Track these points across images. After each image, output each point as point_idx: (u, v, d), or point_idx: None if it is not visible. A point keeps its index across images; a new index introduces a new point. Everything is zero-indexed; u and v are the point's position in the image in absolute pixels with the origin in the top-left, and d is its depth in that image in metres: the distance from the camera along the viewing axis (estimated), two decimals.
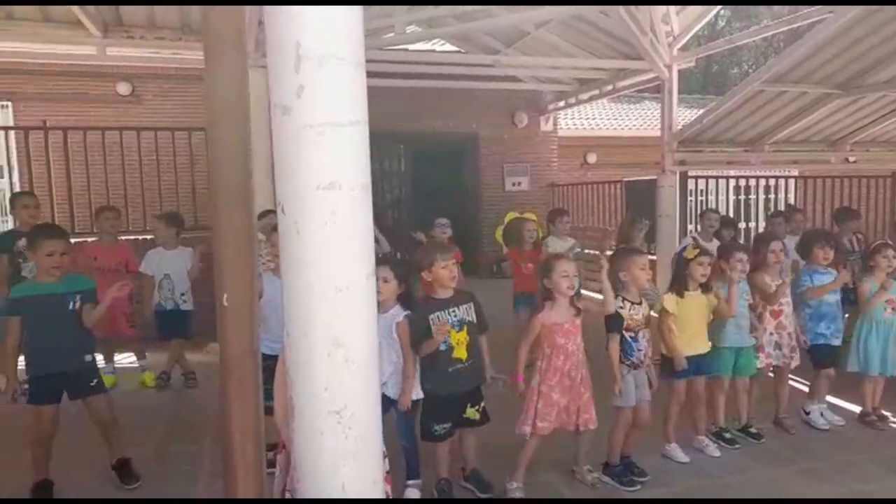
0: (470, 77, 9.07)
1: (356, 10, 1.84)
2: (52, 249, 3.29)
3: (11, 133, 7.81)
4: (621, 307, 3.45)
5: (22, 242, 4.85)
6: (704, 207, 9.72)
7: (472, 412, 3.22)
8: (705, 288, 3.79)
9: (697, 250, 3.78)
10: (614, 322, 3.44)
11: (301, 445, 1.83)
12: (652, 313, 3.70)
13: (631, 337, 3.44)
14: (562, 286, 3.23)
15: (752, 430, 4.09)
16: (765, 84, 6.42)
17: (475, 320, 3.23)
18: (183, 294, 5.15)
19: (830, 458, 3.81)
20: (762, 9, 23.28)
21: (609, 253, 6.73)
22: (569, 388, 3.23)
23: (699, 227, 6.09)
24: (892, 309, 4.26)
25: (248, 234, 1.70)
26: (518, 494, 3.28)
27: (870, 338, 4.25)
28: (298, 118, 1.76)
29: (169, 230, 5.23)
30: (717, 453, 3.83)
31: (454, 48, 10.11)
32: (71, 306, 3.33)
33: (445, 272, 3.15)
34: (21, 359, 3.39)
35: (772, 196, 9.89)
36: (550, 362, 3.23)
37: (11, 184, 8.27)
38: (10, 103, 9.14)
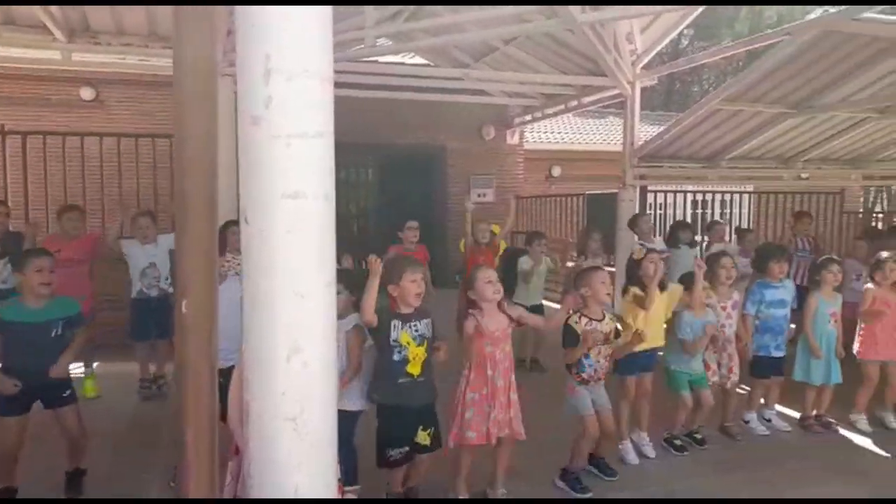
0: (439, 90, 9.18)
1: (326, 28, 1.90)
2: (40, 266, 3.31)
3: None
4: (577, 322, 3.49)
5: None
6: (663, 223, 10.02)
7: (423, 436, 3.12)
8: (661, 286, 3.89)
9: (645, 250, 3.91)
10: (568, 337, 3.51)
11: (255, 450, 1.86)
12: (620, 327, 3.75)
13: (584, 354, 3.47)
14: (487, 293, 3.22)
15: (698, 435, 4.24)
16: (722, 103, 6.66)
17: (431, 336, 3.18)
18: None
19: (775, 464, 3.96)
20: (724, 29, 24.02)
21: (570, 264, 6.90)
22: (489, 395, 3.18)
23: (636, 236, 6.37)
24: (835, 321, 4.45)
25: (211, 242, 1.74)
26: None
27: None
28: (266, 128, 1.81)
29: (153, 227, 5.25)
30: (653, 454, 3.98)
31: (424, 61, 10.21)
32: (54, 333, 3.35)
33: (413, 286, 3.10)
34: None
35: (727, 211, 10.22)
36: (478, 371, 3.21)
37: None
38: None
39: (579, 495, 3.48)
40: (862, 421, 4.55)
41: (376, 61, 8.83)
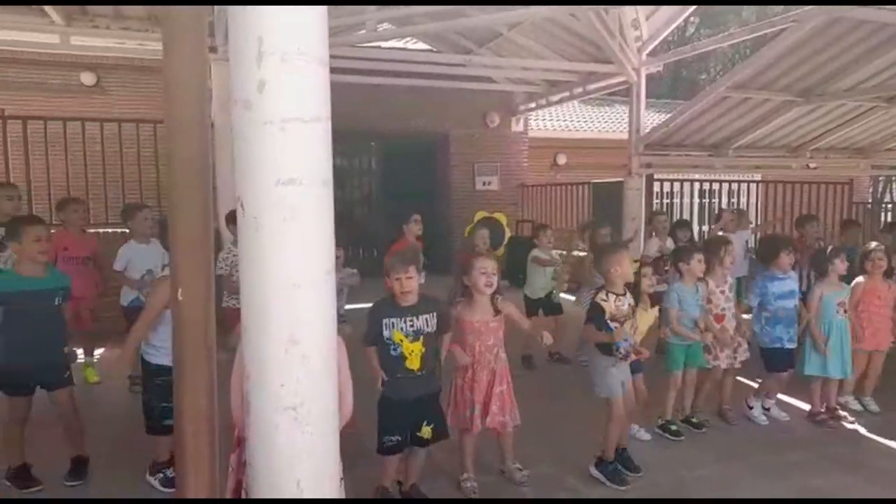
0: (442, 76, 9.09)
1: (321, 9, 1.85)
2: (38, 235, 3.26)
3: None
4: (605, 299, 3.48)
5: None
6: (670, 211, 9.95)
7: (426, 430, 3.09)
8: (654, 301, 3.88)
9: (637, 262, 3.90)
10: (595, 315, 3.48)
11: (256, 442, 1.83)
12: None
13: (616, 326, 3.46)
14: (479, 283, 3.23)
15: (694, 420, 4.24)
16: (730, 90, 6.57)
17: (434, 329, 3.10)
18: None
19: (777, 453, 3.91)
20: (730, 16, 23.76)
21: (576, 253, 6.84)
22: (469, 385, 3.26)
23: (653, 231, 6.24)
24: (844, 311, 4.39)
25: (205, 229, 1.69)
26: (469, 484, 3.32)
27: (828, 341, 4.36)
28: (259, 113, 1.76)
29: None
30: (648, 436, 4.03)
31: (427, 47, 10.11)
32: (56, 301, 3.35)
33: (396, 285, 3.03)
34: None
35: (734, 200, 10.12)
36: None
37: None
38: None
39: (617, 486, 3.45)
40: (852, 401, 4.63)
41: (378, 47, 8.74)
